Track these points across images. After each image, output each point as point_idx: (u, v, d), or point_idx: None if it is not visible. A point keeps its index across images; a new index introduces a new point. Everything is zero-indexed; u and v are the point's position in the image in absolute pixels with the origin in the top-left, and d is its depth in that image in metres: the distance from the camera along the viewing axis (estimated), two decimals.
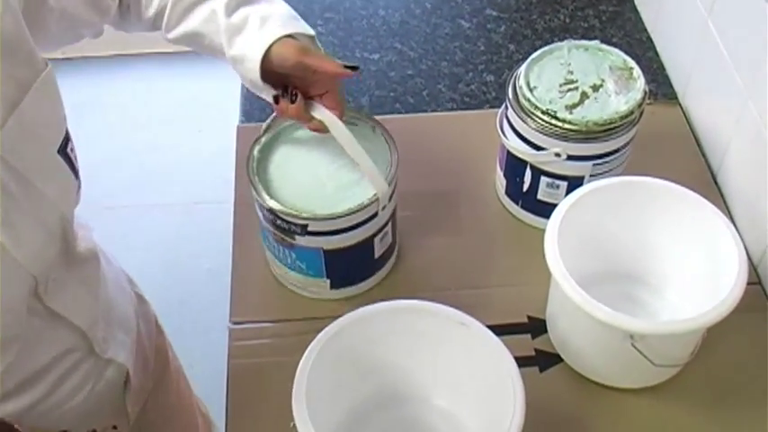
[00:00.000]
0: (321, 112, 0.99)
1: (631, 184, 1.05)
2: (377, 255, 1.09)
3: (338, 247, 1.04)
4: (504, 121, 1.13)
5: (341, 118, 1.00)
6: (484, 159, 1.24)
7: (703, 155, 1.27)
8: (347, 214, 1.00)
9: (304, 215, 0.99)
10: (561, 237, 0.97)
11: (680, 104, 1.35)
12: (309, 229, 1.01)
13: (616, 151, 1.10)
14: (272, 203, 1.00)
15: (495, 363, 0.89)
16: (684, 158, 1.27)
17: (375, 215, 1.03)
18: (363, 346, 0.95)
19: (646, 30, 1.46)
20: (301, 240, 1.03)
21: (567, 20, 1.48)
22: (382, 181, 1.00)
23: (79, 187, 0.89)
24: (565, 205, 1.00)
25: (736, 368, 1.05)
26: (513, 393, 0.86)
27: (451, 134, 1.30)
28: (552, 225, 0.99)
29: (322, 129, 1.00)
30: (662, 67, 1.40)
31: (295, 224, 1.00)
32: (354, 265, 1.09)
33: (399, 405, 0.99)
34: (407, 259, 1.16)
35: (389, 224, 1.08)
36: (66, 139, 0.85)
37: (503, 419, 0.85)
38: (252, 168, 1.04)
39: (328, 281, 1.09)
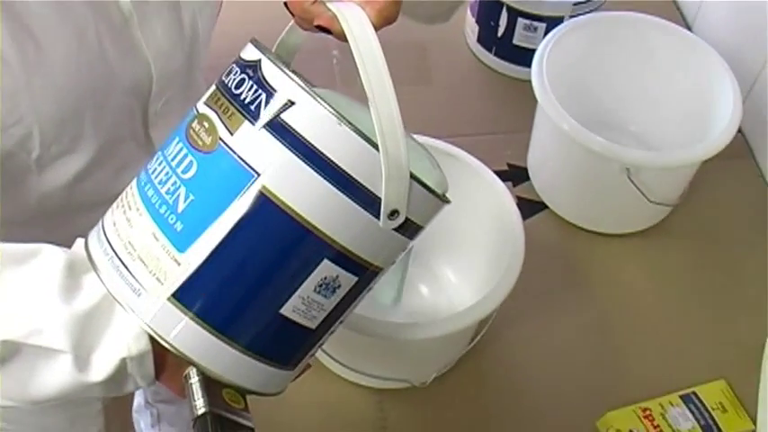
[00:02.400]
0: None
1: (618, 19, 1.00)
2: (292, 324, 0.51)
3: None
4: None
5: (378, 21, 0.55)
6: None
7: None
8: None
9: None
10: (546, 75, 0.91)
11: None
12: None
13: None
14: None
15: (491, 200, 0.84)
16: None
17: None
18: None
19: None
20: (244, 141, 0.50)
21: None
22: (400, 151, 0.50)
23: (219, 6, 0.80)
24: (549, 42, 0.94)
25: (723, 213, 1.02)
26: (513, 232, 0.80)
27: None
28: (538, 59, 0.92)
29: (338, 32, 0.55)
30: None
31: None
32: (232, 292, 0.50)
33: None
34: None
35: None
36: None
37: (500, 258, 0.80)
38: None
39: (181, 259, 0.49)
